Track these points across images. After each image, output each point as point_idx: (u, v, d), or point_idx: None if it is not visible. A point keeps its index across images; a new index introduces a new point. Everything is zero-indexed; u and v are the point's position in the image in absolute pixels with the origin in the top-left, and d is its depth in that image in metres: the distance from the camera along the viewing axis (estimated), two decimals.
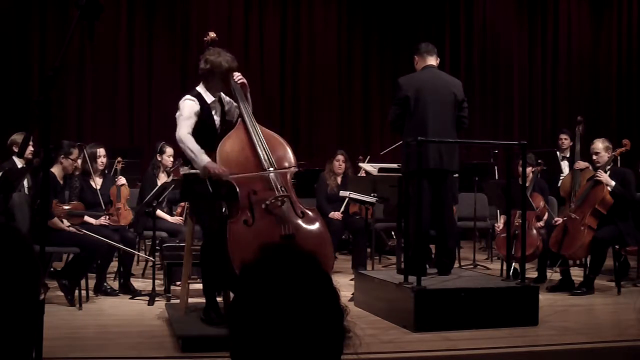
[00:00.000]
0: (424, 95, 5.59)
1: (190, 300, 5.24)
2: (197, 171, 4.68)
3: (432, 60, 5.80)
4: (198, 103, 4.71)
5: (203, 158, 4.51)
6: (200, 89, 4.80)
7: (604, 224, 6.37)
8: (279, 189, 4.56)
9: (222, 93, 4.90)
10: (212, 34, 4.99)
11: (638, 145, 8.52)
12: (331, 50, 12.20)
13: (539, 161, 7.55)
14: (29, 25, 10.79)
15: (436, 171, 5.60)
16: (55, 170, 5.95)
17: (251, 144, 4.69)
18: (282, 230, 4.47)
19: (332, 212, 7.67)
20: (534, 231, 6.70)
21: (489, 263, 8.38)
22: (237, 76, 4.85)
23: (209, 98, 4.77)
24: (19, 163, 6.69)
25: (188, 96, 4.75)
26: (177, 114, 4.70)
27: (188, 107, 4.67)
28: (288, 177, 4.73)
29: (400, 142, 5.94)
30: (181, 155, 5.10)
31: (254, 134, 4.71)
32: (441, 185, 5.70)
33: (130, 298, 6.05)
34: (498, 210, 7.65)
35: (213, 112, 4.81)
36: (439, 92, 5.64)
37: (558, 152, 8.66)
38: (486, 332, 4.84)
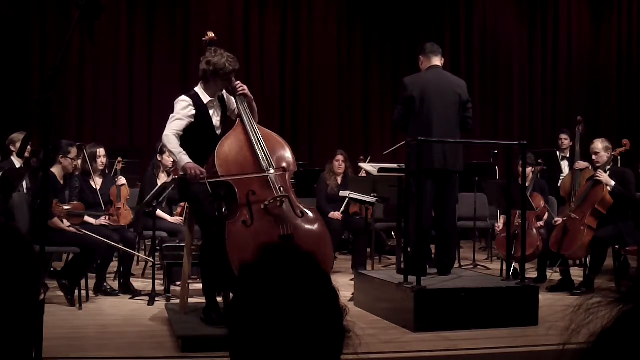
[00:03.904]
0: (429, 95, 5.59)
1: (190, 300, 5.24)
2: None
3: (437, 61, 5.80)
4: (193, 103, 4.69)
5: (183, 158, 4.52)
6: (198, 89, 4.79)
7: (604, 224, 6.37)
8: (278, 189, 4.55)
9: (225, 92, 4.89)
10: (211, 34, 4.98)
11: (638, 145, 8.52)
12: (331, 50, 12.20)
13: (539, 161, 7.55)
14: (29, 25, 10.79)
15: (440, 172, 5.61)
16: (55, 170, 5.95)
17: (250, 145, 4.69)
18: (281, 230, 4.47)
19: (332, 212, 7.67)
20: (534, 231, 6.70)
21: (489, 263, 8.38)
22: (239, 87, 4.83)
23: (205, 98, 4.76)
24: (17, 163, 6.69)
25: (183, 96, 4.74)
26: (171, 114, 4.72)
27: (179, 108, 4.67)
28: (287, 177, 4.73)
29: (403, 142, 5.94)
30: None
31: (253, 134, 4.70)
32: (445, 185, 5.70)
33: (130, 298, 6.05)
34: (498, 210, 7.65)
35: (211, 112, 4.79)
36: (444, 93, 5.64)
37: (558, 152, 8.66)
38: (486, 332, 4.84)
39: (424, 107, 5.59)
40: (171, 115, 4.69)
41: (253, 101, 4.87)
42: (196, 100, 4.73)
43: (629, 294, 0.83)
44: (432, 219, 5.80)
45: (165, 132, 4.63)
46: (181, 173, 4.76)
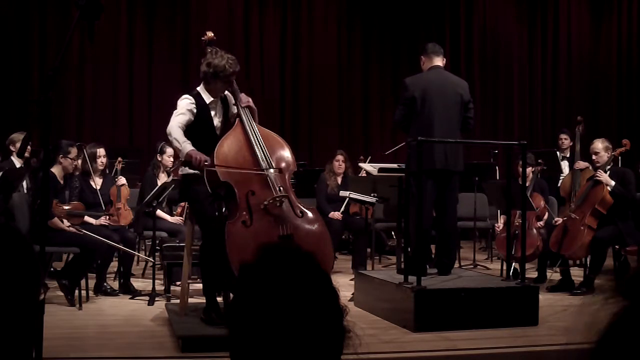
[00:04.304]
0: (430, 95, 5.59)
1: (190, 300, 5.25)
2: (197, 172, 4.68)
3: (439, 61, 5.80)
4: (195, 102, 4.71)
5: (186, 146, 4.53)
6: (200, 89, 4.81)
7: (604, 224, 6.37)
8: (278, 189, 4.55)
9: (227, 93, 4.90)
10: (210, 34, 4.98)
11: (638, 145, 8.52)
12: (331, 50, 12.20)
13: (539, 161, 7.55)
14: (29, 25, 10.79)
15: (441, 172, 5.61)
16: (55, 170, 5.95)
17: (249, 144, 4.69)
18: (281, 230, 4.47)
19: (332, 212, 7.67)
20: (534, 231, 6.70)
21: (489, 263, 8.38)
22: (244, 101, 4.83)
23: (207, 98, 4.77)
24: (18, 163, 6.69)
25: (186, 95, 4.77)
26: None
27: (183, 104, 4.70)
28: (287, 177, 4.73)
29: (403, 143, 5.94)
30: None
31: (252, 134, 4.70)
32: (445, 186, 5.70)
33: (130, 298, 6.05)
34: (498, 210, 7.65)
35: (212, 113, 4.81)
36: (446, 93, 5.64)
37: (558, 152, 8.66)
38: (486, 332, 4.84)
39: (425, 107, 5.59)
40: (174, 112, 4.71)
41: (256, 112, 4.88)
42: (198, 99, 4.75)
43: (628, 292, 0.83)
44: (432, 219, 5.80)
45: (169, 124, 4.64)
46: (183, 170, 4.76)
